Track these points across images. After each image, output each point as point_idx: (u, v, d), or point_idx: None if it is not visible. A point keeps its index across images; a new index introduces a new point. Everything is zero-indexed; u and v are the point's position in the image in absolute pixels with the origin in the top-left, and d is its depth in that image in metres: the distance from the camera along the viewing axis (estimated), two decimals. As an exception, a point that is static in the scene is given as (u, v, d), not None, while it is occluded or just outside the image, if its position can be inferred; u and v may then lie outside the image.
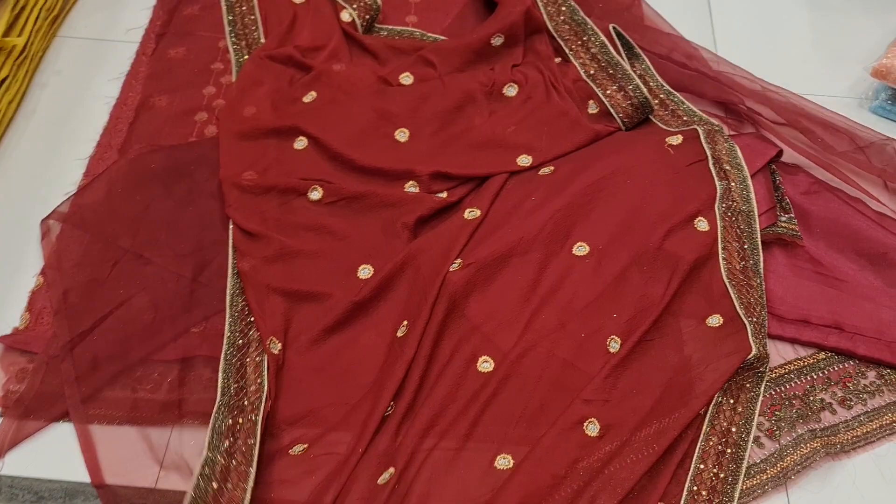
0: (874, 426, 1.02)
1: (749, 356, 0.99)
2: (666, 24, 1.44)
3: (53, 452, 0.96)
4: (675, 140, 1.21)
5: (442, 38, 1.41)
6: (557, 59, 1.34)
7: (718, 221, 1.12)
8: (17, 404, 0.98)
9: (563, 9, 1.39)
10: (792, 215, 1.17)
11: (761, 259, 1.10)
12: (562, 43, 1.34)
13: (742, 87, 1.34)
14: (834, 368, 1.07)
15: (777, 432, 1.00)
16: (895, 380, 1.06)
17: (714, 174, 1.17)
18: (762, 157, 1.22)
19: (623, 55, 1.32)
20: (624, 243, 1.10)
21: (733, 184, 1.16)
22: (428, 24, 1.44)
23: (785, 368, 1.06)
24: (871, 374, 1.07)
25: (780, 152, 1.23)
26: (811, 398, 1.04)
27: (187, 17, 1.43)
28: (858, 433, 1.02)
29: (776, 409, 1.03)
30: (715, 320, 1.04)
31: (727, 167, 1.17)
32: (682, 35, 1.41)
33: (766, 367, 1.02)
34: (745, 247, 1.10)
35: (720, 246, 1.10)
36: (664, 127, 1.26)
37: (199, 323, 1.06)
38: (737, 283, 1.07)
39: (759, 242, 1.11)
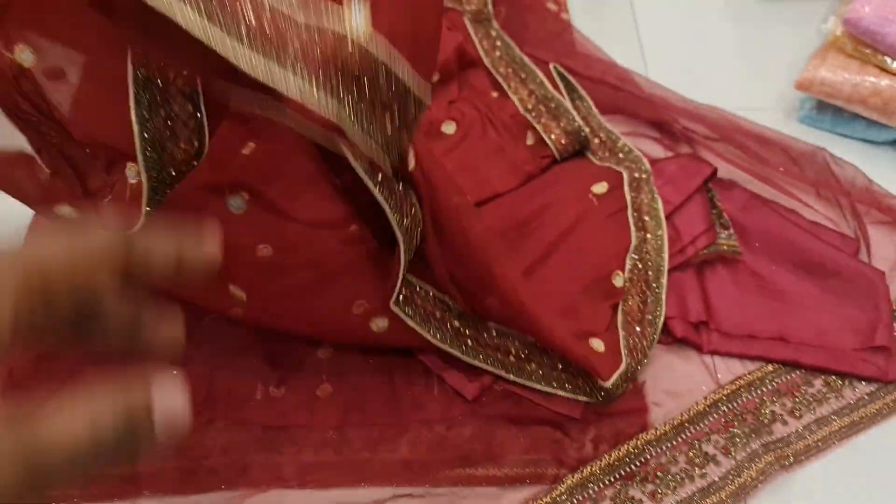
0: (824, 433, 1.05)
1: (603, 383, 1.00)
2: (597, 49, 1.47)
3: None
4: (601, 188, 1.23)
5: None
6: (494, 94, 1.36)
7: (626, 273, 1.13)
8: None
9: (499, 44, 1.41)
10: (731, 231, 1.20)
11: (662, 316, 1.10)
12: (500, 80, 1.36)
13: (675, 106, 1.37)
14: (782, 379, 1.10)
15: (732, 449, 1.03)
16: (840, 386, 1.10)
17: (632, 224, 1.18)
18: (698, 177, 1.25)
19: (563, 93, 1.34)
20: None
21: (649, 235, 1.17)
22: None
23: (736, 384, 1.09)
24: (818, 383, 1.10)
25: (716, 170, 1.26)
26: (762, 411, 1.07)
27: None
28: (810, 442, 1.04)
29: (731, 425, 1.05)
30: (597, 343, 1.05)
31: (646, 218, 1.19)
32: (613, 60, 1.44)
33: (597, 399, 1.02)
34: (648, 300, 1.11)
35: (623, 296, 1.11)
36: (598, 163, 1.28)
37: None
38: (629, 331, 1.08)
39: (664, 299, 1.11)
